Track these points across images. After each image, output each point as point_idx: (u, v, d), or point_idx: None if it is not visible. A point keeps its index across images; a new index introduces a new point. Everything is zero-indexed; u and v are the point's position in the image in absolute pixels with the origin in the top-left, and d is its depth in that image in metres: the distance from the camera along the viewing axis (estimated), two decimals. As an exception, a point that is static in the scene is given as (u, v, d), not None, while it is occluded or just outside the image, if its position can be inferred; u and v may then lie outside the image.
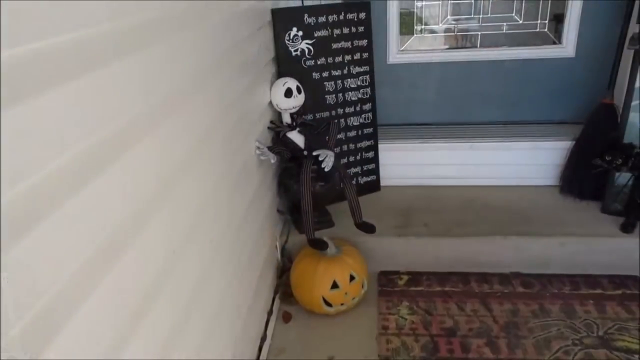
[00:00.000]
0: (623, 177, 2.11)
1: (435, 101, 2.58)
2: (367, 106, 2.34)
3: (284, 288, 2.01)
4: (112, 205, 0.78)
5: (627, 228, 2.04)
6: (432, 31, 2.51)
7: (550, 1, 2.37)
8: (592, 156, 2.12)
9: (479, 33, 2.47)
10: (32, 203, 0.60)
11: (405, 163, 2.49)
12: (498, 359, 1.67)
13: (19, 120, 0.57)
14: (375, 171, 2.47)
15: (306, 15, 2.08)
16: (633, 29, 2.07)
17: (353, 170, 2.41)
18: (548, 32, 2.42)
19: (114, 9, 0.80)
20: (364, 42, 2.25)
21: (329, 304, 1.84)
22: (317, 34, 2.12)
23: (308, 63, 2.13)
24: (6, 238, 0.55)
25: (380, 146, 2.44)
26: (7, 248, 0.55)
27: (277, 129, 1.96)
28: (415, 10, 2.48)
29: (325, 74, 2.19)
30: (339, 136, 2.27)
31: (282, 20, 2.02)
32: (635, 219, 2.04)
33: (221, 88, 1.37)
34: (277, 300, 1.96)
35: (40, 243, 0.61)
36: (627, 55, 2.11)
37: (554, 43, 2.43)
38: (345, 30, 2.19)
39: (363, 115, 2.35)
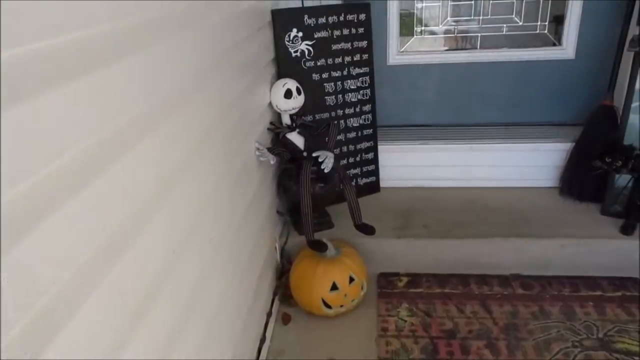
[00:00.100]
0: (623, 179, 2.11)
1: (435, 102, 2.58)
2: (367, 107, 2.34)
3: (283, 289, 2.01)
4: (112, 205, 0.78)
5: (627, 230, 2.04)
6: (432, 32, 2.51)
7: (550, 3, 2.37)
8: (592, 158, 2.12)
9: (479, 34, 2.47)
10: (32, 203, 0.60)
11: (405, 164, 2.49)
12: (498, 360, 1.67)
13: (19, 120, 0.57)
14: (375, 172, 2.46)
15: (306, 16, 2.08)
16: (633, 30, 2.08)
17: (353, 171, 2.41)
18: (548, 34, 2.42)
19: (114, 9, 0.80)
20: (364, 44, 2.25)
21: (328, 306, 1.84)
22: (317, 35, 2.12)
23: (308, 64, 2.13)
24: (6, 238, 0.55)
25: (380, 147, 2.44)
26: (7, 248, 0.55)
27: (276, 130, 1.96)
28: (415, 12, 2.48)
29: (325, 75, 2.19)
30: (338, 137, 2.27)
31: (282, 21, 2.03)
32: (635, 220, 2.05)
33: (221, 88, 1.37)
34: (276, 302, 1.96)
35: (40, 243, 0.61)
36: (627, 57, 2.11)
37: (554, 45, 2.43)
38: (345, 32, 2.19)
39: (363, 117, 2.35)
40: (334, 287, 1.82)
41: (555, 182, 2.41)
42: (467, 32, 2.48)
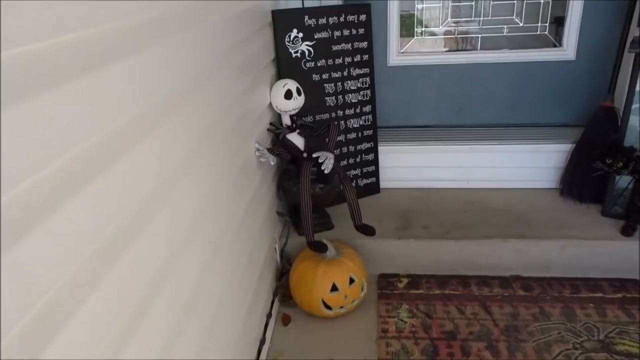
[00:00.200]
0: (623, 180, 2.11)
1: (435, 103, 2.58)
2: (367, 108, 2.34)
3: (283, 290, 2.00)
4: (112, 205, 0.78)
5: (627, 231, 2.03)
6: (433, 33, 2.51)
7: (550, 4, 2.37)
8: (593, 159, 2.12)
9: (480, 36, 2.47)
10: (32, 203, 0.60)
11: (405, 165, 2.49)
12: (498, 361, 1.67)
13: (19, 120, 0.57)
14: (375, 173, 2.46)
15: (306, 17, 2.08)
16: (634, 32, 2.08)
17: (353, 172, 2.40)
18: (548, 35, 2.42)
19: (114, 9, 0.80)
20: (364, 44, 2.25)
21: (328, 307, 1.83)
22: (317, 35, 2.12)
23: (308, 65, 2.13)
24: (6, 238, 0.54)
25: (380, 148, 2.43)
26: (7, 248, 0.54)
27: (276, 131, 1.96)
28: (415, 13, 2.48)
29: (325, 76, 2.19)
30: (338, 138, 2.27)
31: (282, 21, 2.03)
32: (636, 222, 2.04)
33: (221, 89, 1.37)
34: (276, 303, 1.96)
35: (40, 243, 0.60)
36: (628, 58, 2.11)
37: (555, 46, 2.43)
38: (346, 32, 2.19)
39: (363, 117, 2.35)
40: (334, 288, 1.81)
41: (556, 184, 2.41)
42: (467, 33, 2.48)
